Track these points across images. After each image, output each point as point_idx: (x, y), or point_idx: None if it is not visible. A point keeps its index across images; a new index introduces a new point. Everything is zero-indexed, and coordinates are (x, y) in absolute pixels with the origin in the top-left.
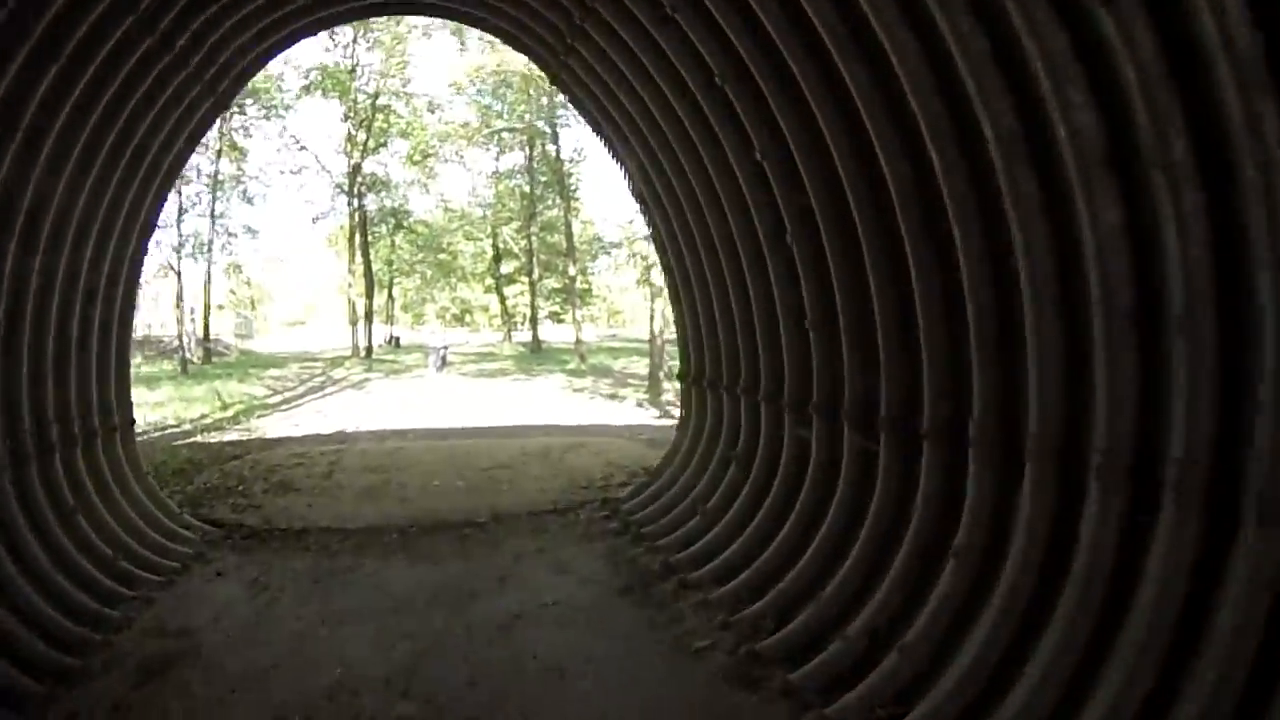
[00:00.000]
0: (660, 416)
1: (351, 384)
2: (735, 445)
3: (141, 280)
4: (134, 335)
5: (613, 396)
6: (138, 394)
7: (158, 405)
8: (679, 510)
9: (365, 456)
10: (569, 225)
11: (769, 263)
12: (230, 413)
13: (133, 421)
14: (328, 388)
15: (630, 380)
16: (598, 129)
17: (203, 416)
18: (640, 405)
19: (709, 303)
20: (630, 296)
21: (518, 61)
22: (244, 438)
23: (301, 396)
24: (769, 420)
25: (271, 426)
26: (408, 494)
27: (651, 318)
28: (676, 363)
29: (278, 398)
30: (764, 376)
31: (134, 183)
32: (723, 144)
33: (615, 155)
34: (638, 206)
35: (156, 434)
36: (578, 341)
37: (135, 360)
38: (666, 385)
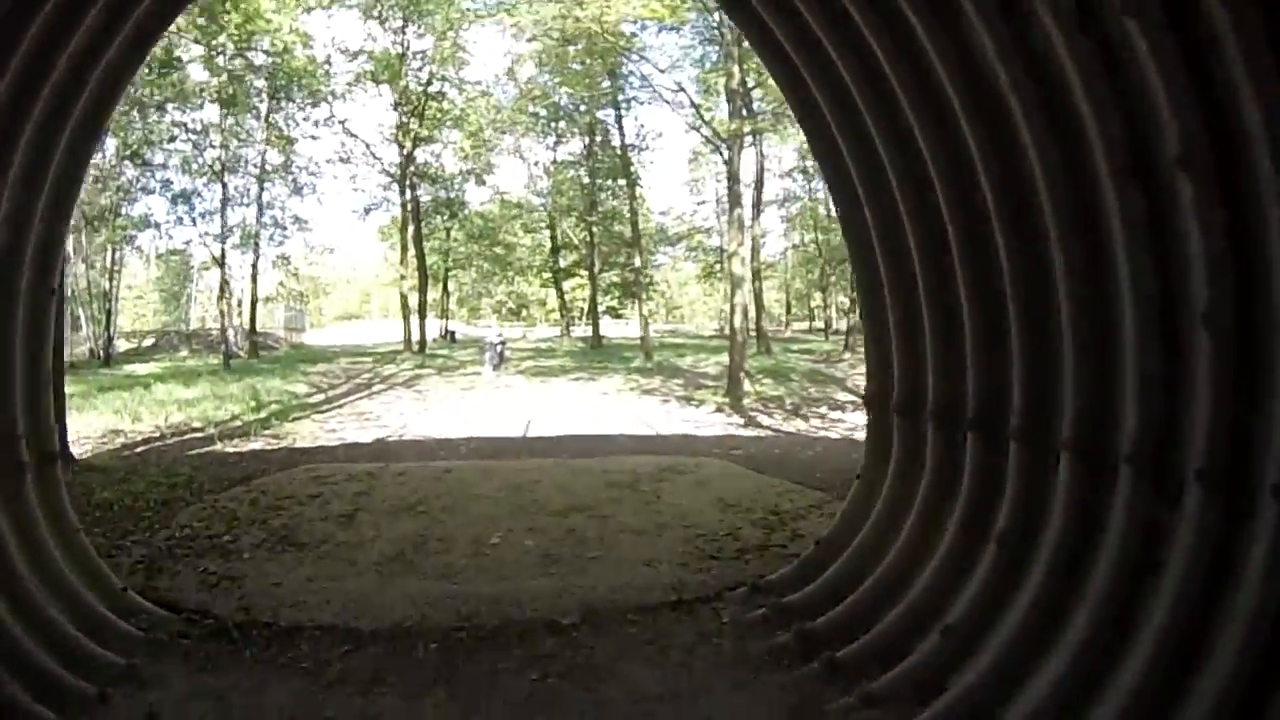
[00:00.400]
0: (747, 425)
1: (401, 382)
2: (989, 511)
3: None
4: (183, 329)
5: (688, 400)
6: (171, 391)
7: (187, 405)
8: (895, 620)
9: (403, 484)
10: (635, 213)
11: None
12: (263, 414)
13: (56, 455)
14: (375, 385)
15: (704, 381)
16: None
17: (231, 419)
18: (721, 410)
19: (944, 310)
20: (690, 291)
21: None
22: (268, 448)
23: (346, 395)
24: (1051, 477)
25: (305, 432)
26: (455, 559)
27: (732, 312)
28: (756, 362)
29: (320, 396)
30: (1026, 406)
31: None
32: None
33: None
34: (835, 195)
35: (173, 440)
36: (643, 338)
37: (182, 354)
38: (748, 387)
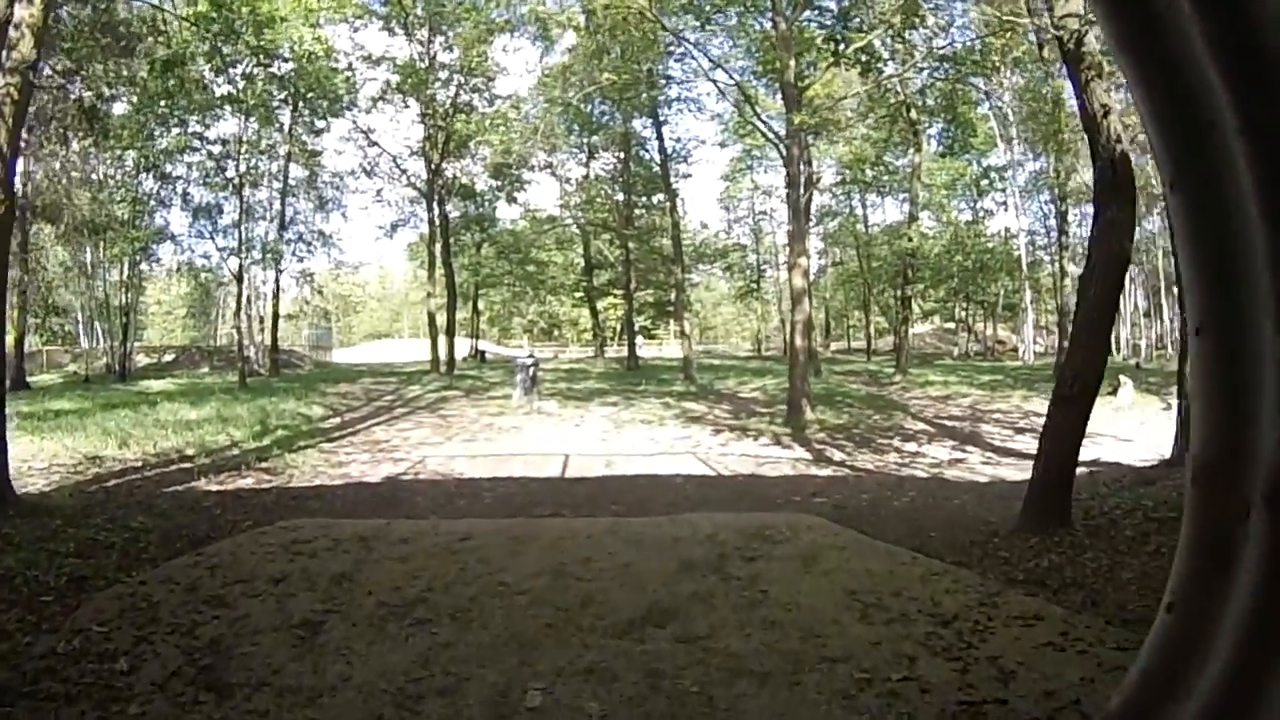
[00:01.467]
0: (816, 461)
1: (425, 405)
2: None
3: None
4: (211, 345)
5: (742, 429)
6: (176, 411)
7: (188, 427)
8: None
9: (404, 562)
10: (676, 227)
11: None
12: (266, 440)
13: None
14: (396, 408)
15: (754, 407)
16: None
17: (229, 446)
18: (780, 442)
19: None
20: (723, 311)
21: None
22: (257, 486)
23: (363, 420)
24: None
25: (307, 466)
26: None
27: (792, 331)
28: (828, 385)
29: (334, 421)
30: None
31: None
32: None
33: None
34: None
35: (154, 472)
36: (686, 359)
37: (202, 370)
38: (810, 415)
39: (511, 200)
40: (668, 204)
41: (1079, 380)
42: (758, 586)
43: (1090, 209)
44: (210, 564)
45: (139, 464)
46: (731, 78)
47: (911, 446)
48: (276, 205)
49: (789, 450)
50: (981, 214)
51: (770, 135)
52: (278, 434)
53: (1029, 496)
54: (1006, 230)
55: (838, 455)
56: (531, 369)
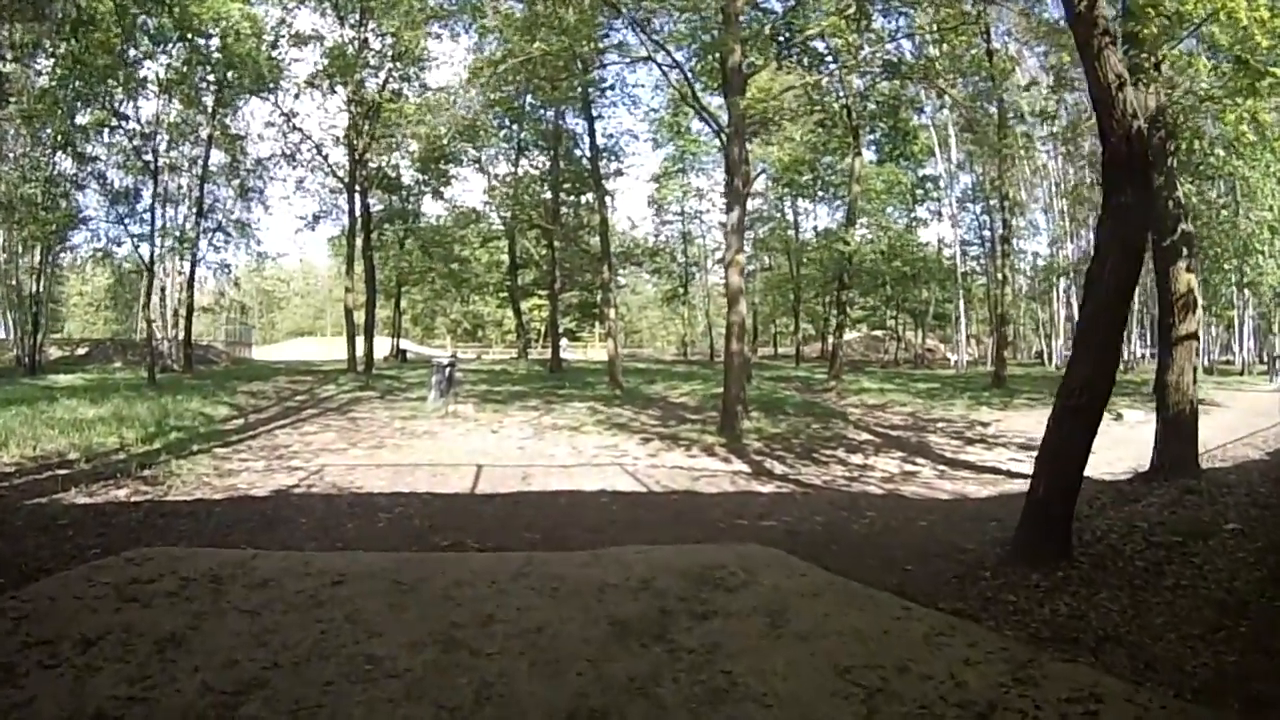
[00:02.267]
0: (757, 475)
1: (336, 406)
2: None
3: None
4: (126, 338)
5: (673, 438)
6: (74, 408)
7: (78, 427)
8: None
9: (254, 618)
10: (604, 224)
11: None
12: (158, 444)
13: None
14: (306, 410)
15: (684, 413)
16: None
17: (118, 449)
18: (715, 453)
19: None
20: (649, 314)
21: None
22: (131, 499)
23: (268, 422)
24: None
25: (194, 474)
26: None
27: (729, 333)
28: (760, 391)
29: (239, 421)
30: None
31: None
32: None
33: None
34: None
35: (23, 480)
36: (611, 361)
37: (116, 365)
38: (747, 423)
39: (437, 195)
40: (597, 201)
41: (1087, 389)
42: (717, 665)
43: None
44: (18, 613)
45: (11, 469)
46: (672, 58)
47: (858, 459)
48: (195, 193)
49: (725, 462)
50: (915, 223)
51: (711, 122)
52: (172, 437)
53: (1024, 523)
54: (940, 239)
55: (779, 468)
56: (449, 369)
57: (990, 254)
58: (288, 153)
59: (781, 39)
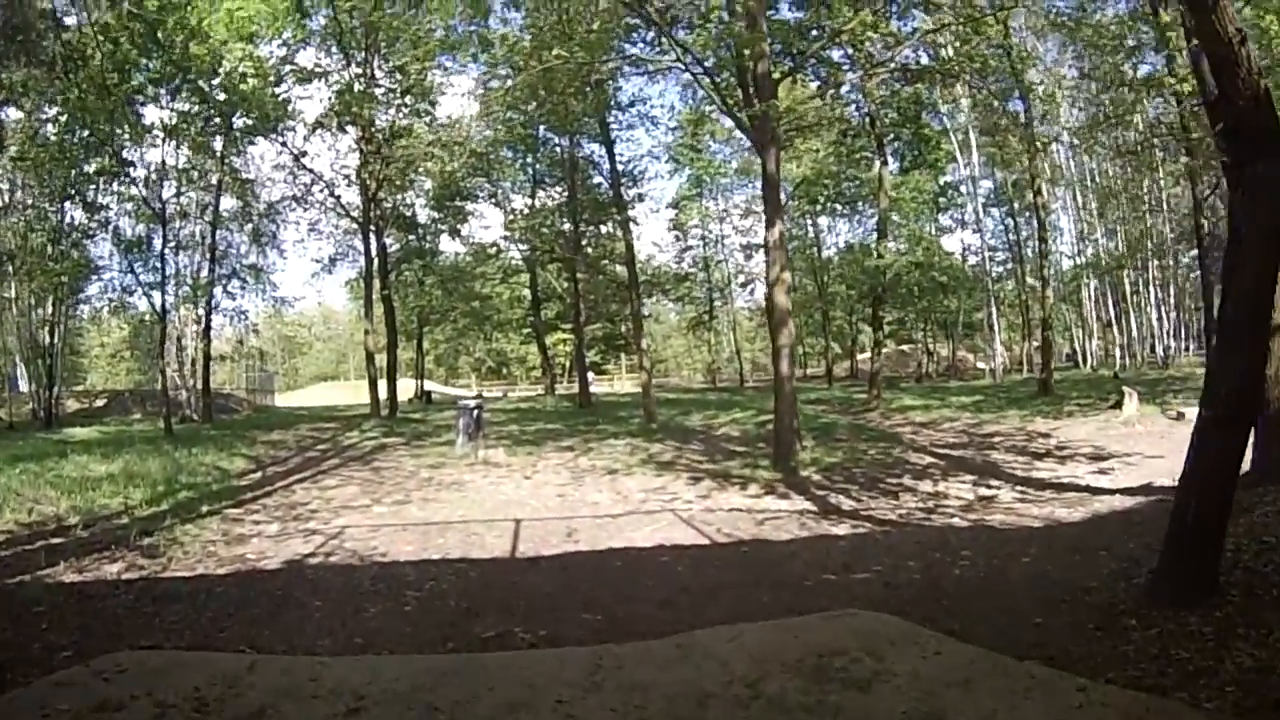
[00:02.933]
0: (825, 514)
1: (359, 455)
2: None
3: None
4: (146, 389)
5: (723, 476)
6: (85, 464)
7: (84, 486)
8: None
9: None
10: (630, 250)
11: None
12: (166, 505)
13: None
14: (328, 460)
15: (728, 446)
16: None
17: (121, 511)
18: (774, 490)
19: None
20: (673, 343)
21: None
22: (118, 578)
23: (288, 474)
24: None
25: (200, 542)
26: None
27: (777, 356)
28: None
29: (256, 475)
30: None
31: None
32: None
33: None
34: None
35: (11, 551)
36: (645, 393)
37: (135, 416)
38: (803, 453)
39: (454, 234)
40: (621, 227)
41: (1235, 396)
42: None
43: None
44: None
45: (2, 539)
46: (700, 63)
47: (927, 485)
48: (208, 239)
49: (788, 500)
50: (938, 232)
51: (746, 130)
52: (181, 496)
53: (1169, 555)
54: (965, 247)
55: (846, 503)
56: (476, 412)
57: (1017, 258)
58: (298, 195)
59: (796, 51)
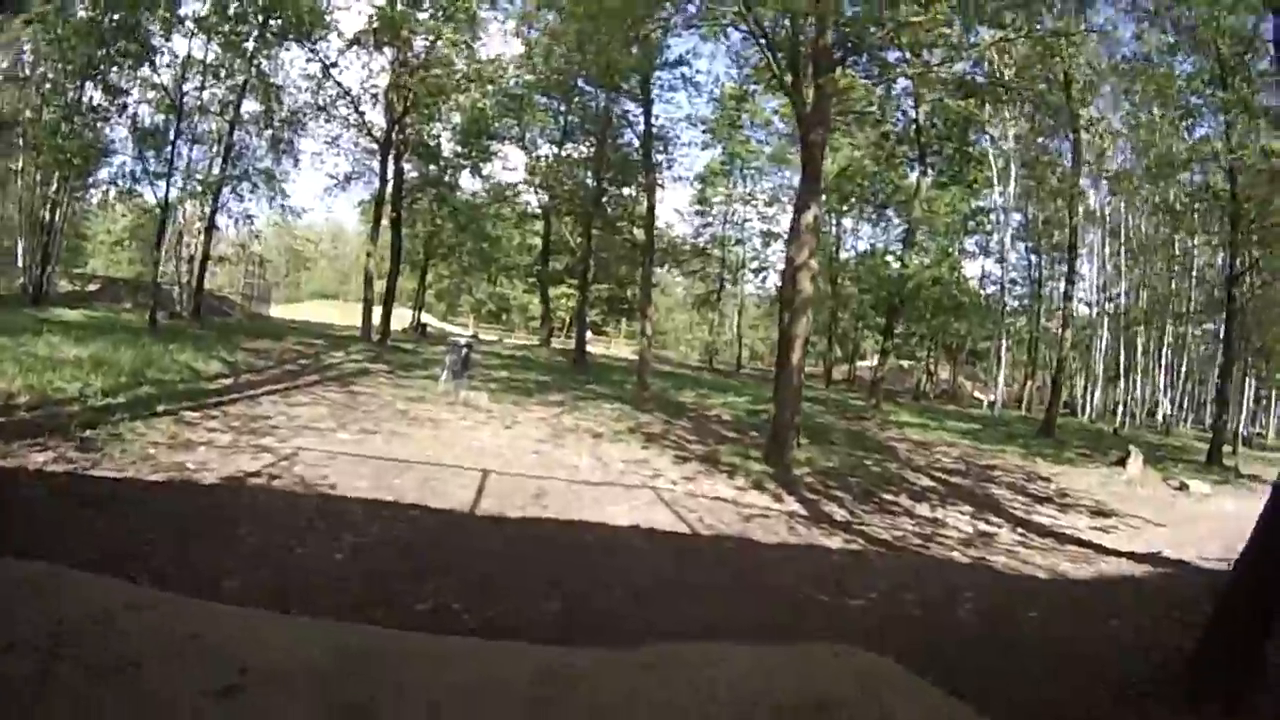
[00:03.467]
0: (816, 521)
1: (338, 376)
2: None
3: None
4: (136, 280)
5: (712, 462)
6: (55, 346)
7: (48, 367)
8: None
9: None
10: (651, 212)
11: None
12: (123, 398)
13: None
14: (306, 375)
15: (719, 429)
16: None
17: (75, 398)
18: (763, 486)
19: None
20: (675, 318)
21: None
22: (42, 468)
23: (261, 384)
24: None
25: (144, 443)
26: None
27: (787, 346)
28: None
29: (228, 380)
30: None
31: None
32: None
33: None
34: None
35: None
36: (642, 360)
37: (125, 305)
38: (797, 451)
39: (476, 171)
40: (646, 189)
41: None
42: None
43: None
44: None
45: None
46: (760, 26)
47: (924, 509)
48: (225, 138)
49: (777, 500)
50: (963, 254)
51: (795, 95)
52: (142, 390)
53: (1217, 634)
54: (985, 274)
55: (839, 512)
56: (466, 350)
57: (1035, 295)
58: (323, 105)
59: (852, 40)
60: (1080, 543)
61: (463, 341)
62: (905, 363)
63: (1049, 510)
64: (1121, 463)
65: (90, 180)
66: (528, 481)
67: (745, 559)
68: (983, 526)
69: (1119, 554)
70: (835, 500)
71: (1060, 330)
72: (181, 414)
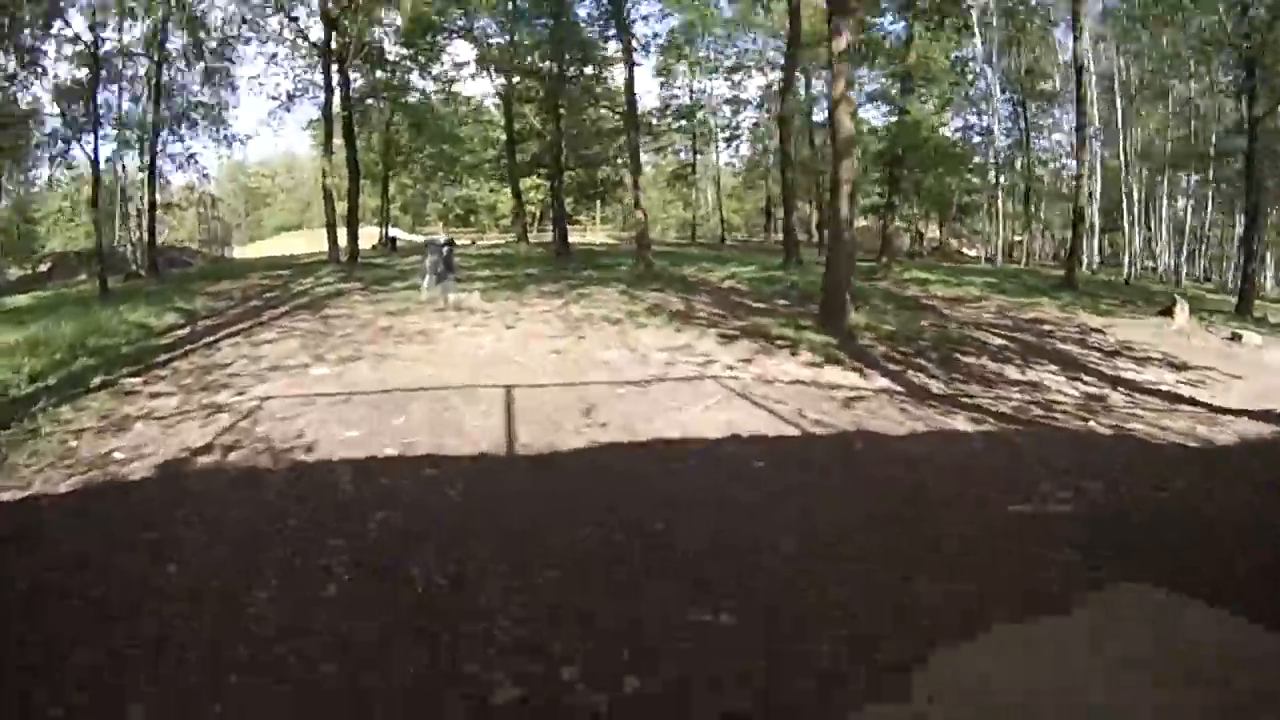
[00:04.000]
0: (920, 397)
1: (308, 303)
2: None
3: None
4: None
5: (762, 337)
6: None
7: None
8: None
9: None
10: (631, 83)
11: None
12: (51, 380)
13: None
14: (271, 310)
15: (743, 300)
16: None
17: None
18: (835, 359)
19: None
20: (650, 195)
21: None
22: None
23: (223, 327)
24: None
25: (61, 436)
26: None
27: (834, 195)
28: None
29: (184, 330)
30: None
31: None
32: None
33: None
34: None
35: None
36: (641, 240)
37: (80, 278)
38: (856, 315)
39: (424, 72)
40: (623, 50)
41: None
42: None
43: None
44: None
45: None
46: None
47: (1013, 371)
48: (154, 78)
49: (858, 374)
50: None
51: None
52: (78, 365)
53: None
54: (968, 124)
55: (932, 384)
56: (446, 249)
57: (1024, 145)
58: (247, 18)
59: None
60: (1191, 401)
61: (441, 240)
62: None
63: (1127, 364)
64: (1167, 312)
65: (30, 161)
66: (561, 393)
67: (889, 460)
68: (1083, 388)
69: (1234, 412)
70: (919, 369)
71: (1076, 177)
72: (122, 382)
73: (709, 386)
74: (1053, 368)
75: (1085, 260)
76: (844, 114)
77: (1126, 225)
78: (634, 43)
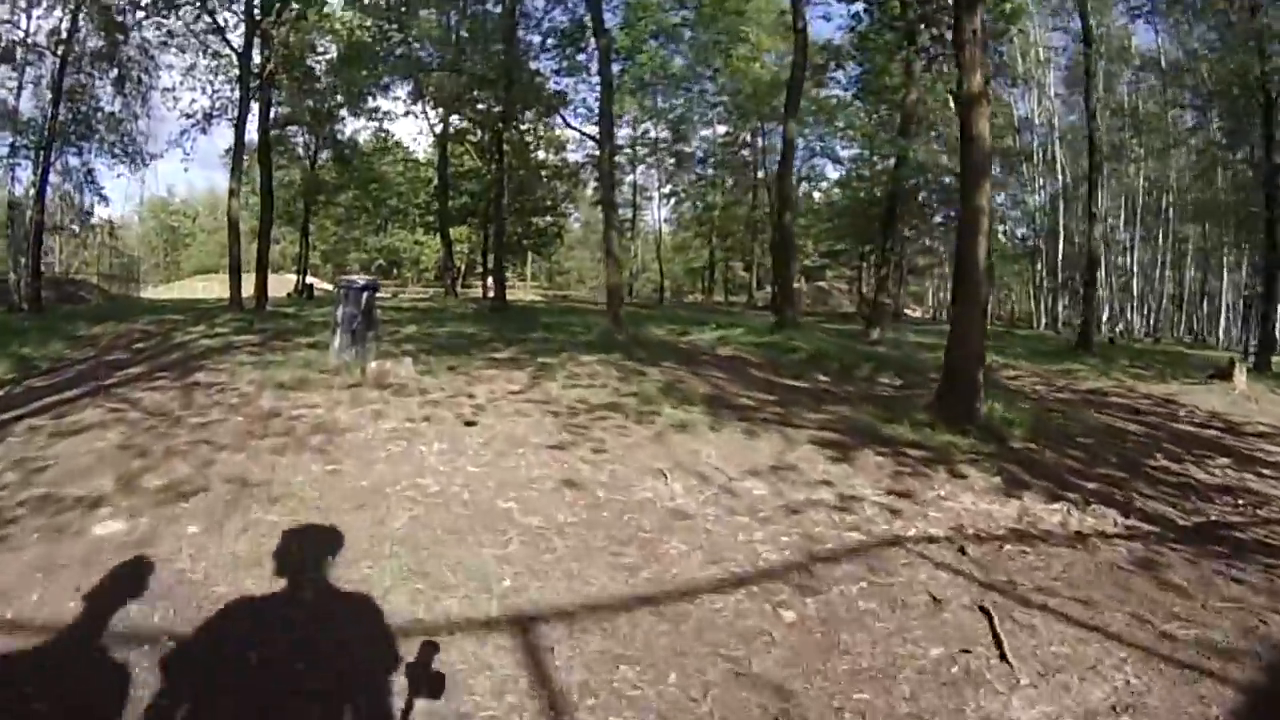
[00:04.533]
0: (1183, 543)
1: (179, 361)
2: None
3: None
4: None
5: (871, 439)
6: None
7: None
8: None
9: None
10: (609, 89)
11: None
12: None
13: None
14: (130, 368)
15: (760, 374)
16: None
17: None
18: (1022, 483)
19: None
20: (577, 254)
21: None
22: None
23: (49, 392)
24: None
25: None
26: None
27: (968, 227)
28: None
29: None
30: None
31: None
32: None
33: None
34: None
35: None
36: (613, 295)
37: None
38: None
39: (356, 109)
40: (600, 55)
41: None
42: None
43: None
44: None
45: None
46: None
47: (1197, 472)
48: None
49: (1063, 504)
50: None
51: None
52: None
53: None
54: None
55: (1157, 507)
56: (366, 296)
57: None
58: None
59: None
60: None
61: (360, 283)
62: (822, 284)
63: (1257, 443)
64: (1224, 376)
65: None
66: (650, 620)
67: None
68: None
69: None
70: (1113, 483)
71: (1089, 224)
72: None
73: (920, 576)
74: (1223, 460)
75: (1040, 320)
76: (980, 117)
77: (1134, 280)
78: (610, 51)
